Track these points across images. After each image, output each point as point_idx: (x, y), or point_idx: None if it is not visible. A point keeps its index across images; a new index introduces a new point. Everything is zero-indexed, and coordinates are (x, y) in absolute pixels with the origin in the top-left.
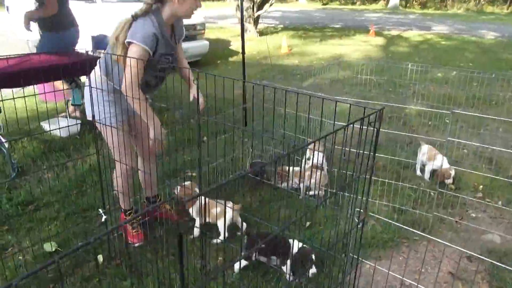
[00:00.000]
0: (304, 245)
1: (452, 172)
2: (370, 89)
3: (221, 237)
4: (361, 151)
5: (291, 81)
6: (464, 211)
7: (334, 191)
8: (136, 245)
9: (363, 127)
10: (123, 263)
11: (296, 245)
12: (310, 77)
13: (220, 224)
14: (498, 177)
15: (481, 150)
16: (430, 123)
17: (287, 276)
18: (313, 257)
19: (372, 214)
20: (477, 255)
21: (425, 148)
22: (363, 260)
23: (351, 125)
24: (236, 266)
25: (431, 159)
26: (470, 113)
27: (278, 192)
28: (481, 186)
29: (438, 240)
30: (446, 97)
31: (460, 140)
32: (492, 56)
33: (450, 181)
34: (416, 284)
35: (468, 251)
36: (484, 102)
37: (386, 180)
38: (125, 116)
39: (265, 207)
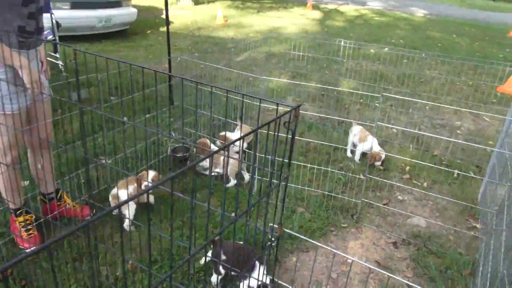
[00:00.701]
0: (273, 280)
1: (383, 156)
2: (305, 64)
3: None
4: (280, 155)
5: (225, 54)
6: (391, 193)
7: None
8: (29, 250)
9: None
10: (10, 276)
11: (262, 272)
12: (245, 51)
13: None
14: (423, 162)
15: (410, 128)
16: (361, 100)
17: None
18: None
19: (286, 230)
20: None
21: (356, 129)
22: (279, 282)
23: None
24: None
25: (362, 140)
26: (399, 96)
27: (202, 180)
28: (408, 167)
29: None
30: (378, 74)
31: (388, 125)
32: (421, 34)
33: (379, 163)
34: (343, 276)
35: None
36: (414, 80)
37: (315, 166)
38: (12, 100)
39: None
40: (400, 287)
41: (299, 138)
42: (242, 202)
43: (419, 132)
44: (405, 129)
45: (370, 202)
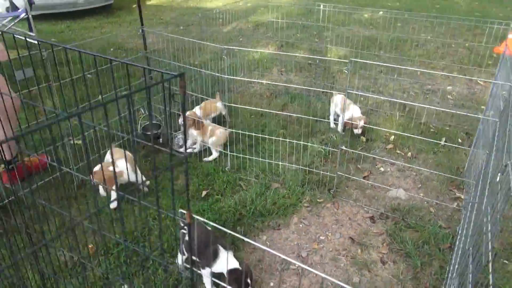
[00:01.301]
0: (239, 265)
1: (361, 123)
2: (295, 33)
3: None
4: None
5: (212, 26)
6: (373, 165)
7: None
8: None
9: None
10: None
11: (230, 260)
12: (233, 21)
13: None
14: (405, 134)
15: (397, 94)
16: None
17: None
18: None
19: (199, 218)
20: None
21: (338, 98)
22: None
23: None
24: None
25: (344, 110)
26: (368, 61)
27: (177, 158)
28: (393, 137)
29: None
30: (371, 40)
31: (358, 93)
32: None
33: (358, 131)
34: (313, 254)
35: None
36: (408, 44)
37: (289, 140)
38: None
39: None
40: (372, 263)
41: (280, 112)
42: (217, 180)
43: (401, 101)
44: (378, 96)
45: (347, 176)
